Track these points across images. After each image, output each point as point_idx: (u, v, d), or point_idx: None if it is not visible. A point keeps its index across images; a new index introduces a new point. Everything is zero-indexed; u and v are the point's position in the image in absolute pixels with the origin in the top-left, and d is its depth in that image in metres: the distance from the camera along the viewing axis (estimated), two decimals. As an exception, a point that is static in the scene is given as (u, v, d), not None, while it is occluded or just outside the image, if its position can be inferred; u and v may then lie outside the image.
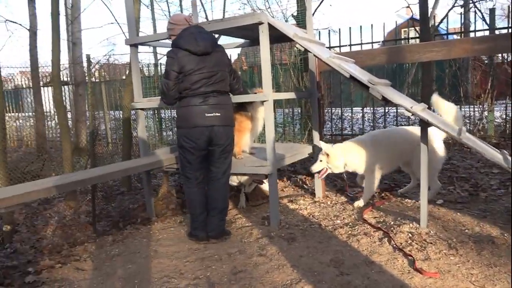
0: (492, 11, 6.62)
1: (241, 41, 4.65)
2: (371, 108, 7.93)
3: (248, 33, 4.12)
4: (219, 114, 3.17)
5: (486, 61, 6.82)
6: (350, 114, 8.23)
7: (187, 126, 3.17)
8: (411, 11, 8.35)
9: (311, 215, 3.79)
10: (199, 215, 3.31)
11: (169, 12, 8.20)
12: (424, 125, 3.12)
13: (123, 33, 5.81)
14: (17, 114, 11.57)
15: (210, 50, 3.15)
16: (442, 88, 7.29)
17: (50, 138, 10.41)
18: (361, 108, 7.96)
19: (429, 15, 7.27)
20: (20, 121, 11.17)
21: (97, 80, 9.53)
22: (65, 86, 9.56)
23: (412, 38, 8.20)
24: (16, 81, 11.86)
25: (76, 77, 8.44)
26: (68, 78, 9.83)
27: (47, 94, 10.19)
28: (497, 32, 6.49)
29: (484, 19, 6.93)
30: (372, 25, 6.90)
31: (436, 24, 8.19)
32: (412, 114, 3.04)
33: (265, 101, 3.45)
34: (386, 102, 3.16)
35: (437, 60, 6.32)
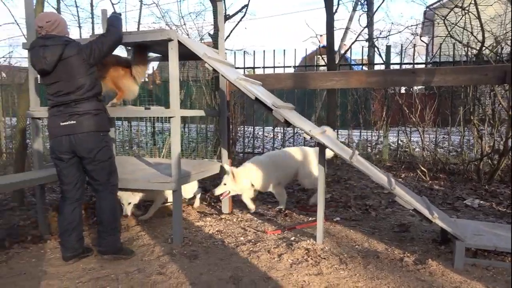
0: (388, 48, 7.39)
1: (154, 54, 4.60)
2: (282, 129, 8.28)
3: (159, 48, 4.09)
4: (74, 122, 2.99)
5: (382, 92, 7.54)
6: (262, 133, 8.52)
7: (50, 137, 3.09)
8: (319, 41, 8.96)
9: (216, 232, 3.82)
10: (64, 233, 3.14)
11: (78, 17, 7.83)
12: (321, 147, 3.36)
13: (24, 35, 5.37)
14: None
15: (50, 69, 2.95)
16: (346, 114, 7.90)
17: None
18: (272, 128, 8.27)
19: (338, 45, 7.90)
20: None
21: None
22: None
23: (321, 65, 8.78)
24: None
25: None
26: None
27: None
28: (391, 67, 7.25)
29: (380, 55, 7.68)
30: (284, 50, 7.28)
31: (341, 55, 8.86)
32: (311, 137, 3.25)
33: (172, 117, 3.44)
34: (288, 124, 3.35)
35: (342, 88, 6.87)
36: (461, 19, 6.04)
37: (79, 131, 2.98)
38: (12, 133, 8.29)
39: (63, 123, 2.98)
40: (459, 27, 6.00)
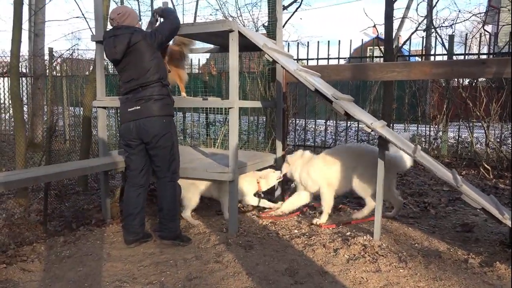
0: (451, 37, 6.99)
1: (210, 46, 4.66)
2: (334, 122, 8.12)
3: (217, 39, 4.14)
4: (139, 107, 3.10)
5: (443, 84, 7.17)
6: (313, 126, 8.41)
7: (121, 123, 3.27)
8: (377, 31, 8.64)
9: (270, 224, 3.82)
10: (127, 217, 3.28)
11: (139, 11, 8.04)
12: (382, 141, 3.24)
13: (90, 28, 5.67)
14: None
15: (119, 58, 3.11)
16: (402, 107, 7.60)
17: (3, 131, 9.94)
18: (324, 121, 8.13)
19: (393, 36, 7.57)
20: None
21: (58, 75, 9.19)
22: (23, 78, 9.19)
23: (376, 56, 8.49)
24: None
25: (36, 69, 8.13)
26: (27, 70, 9.44)
27: (2, 85, 9.74)
28: (454, 57, 6.86)
29: (443, 45, 7.29)
30: (339, 41, 7.11)
31: (400, 45, 8.52)
32: (372, 130, 3.15)
33: (230, 108, 3.47)
34: (348, 117, 3.26)
35: (398, 80, 6.60)
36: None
37: (143, 116, 3.09)
38: (75, 122, 8.77)
39: (130, 109, 3.12)
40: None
